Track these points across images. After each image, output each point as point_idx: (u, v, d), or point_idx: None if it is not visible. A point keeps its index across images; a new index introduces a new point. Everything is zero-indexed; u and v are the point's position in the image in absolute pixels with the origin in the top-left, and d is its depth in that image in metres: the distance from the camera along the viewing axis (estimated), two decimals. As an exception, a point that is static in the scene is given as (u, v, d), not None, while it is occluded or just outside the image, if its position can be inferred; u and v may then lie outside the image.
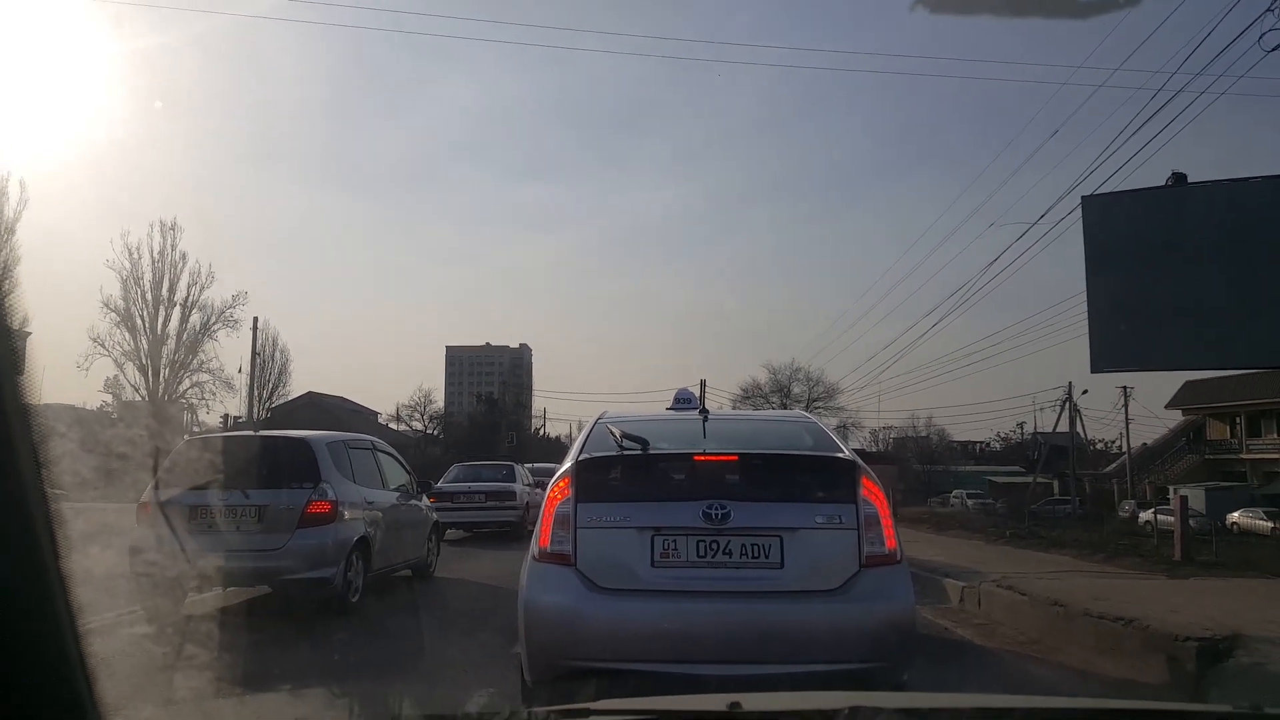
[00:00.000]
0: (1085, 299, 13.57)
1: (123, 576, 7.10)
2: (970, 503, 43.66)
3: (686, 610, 4.02)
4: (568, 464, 4.44)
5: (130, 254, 45.50)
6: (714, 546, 4.11)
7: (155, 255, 45.75)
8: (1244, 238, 12.51)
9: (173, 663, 5.45)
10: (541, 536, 4.24)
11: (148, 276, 45.54)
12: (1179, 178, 13.11)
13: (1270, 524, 32.20)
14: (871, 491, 4.27)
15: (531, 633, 4.18)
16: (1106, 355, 13.41)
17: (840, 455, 4.55)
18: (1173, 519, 14.41)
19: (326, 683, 4.80)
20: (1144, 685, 5.55)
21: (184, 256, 46.43)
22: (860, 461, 4.47)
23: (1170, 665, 5.53)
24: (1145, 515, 30.73)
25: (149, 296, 45.51)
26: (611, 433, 4.55)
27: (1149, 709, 1.57)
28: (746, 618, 4.00)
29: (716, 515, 4.11)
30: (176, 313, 46.16)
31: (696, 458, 4.45)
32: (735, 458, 4.45)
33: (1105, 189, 14.30)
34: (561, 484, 4.30)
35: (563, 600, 4.07)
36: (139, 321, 45.24)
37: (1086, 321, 13.47)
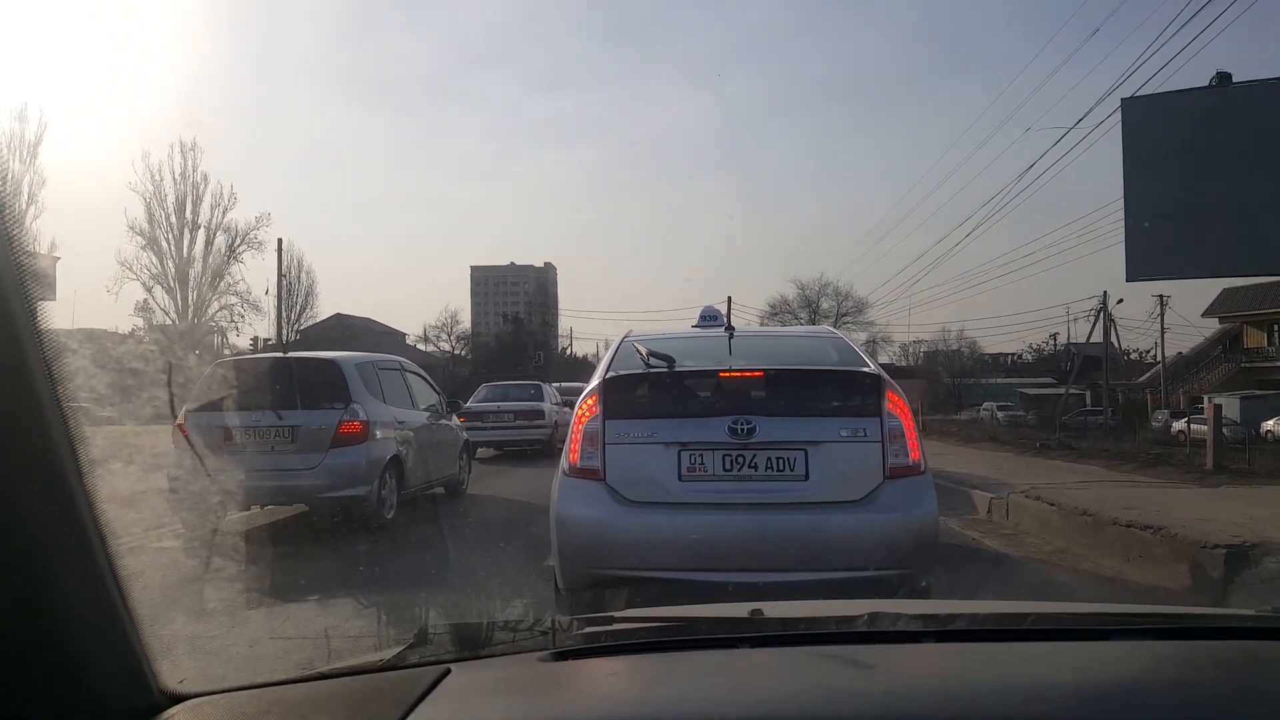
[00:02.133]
0: (1122, 205, 13.24)
1: (157, 495, 7.29)
2: (1000, 415, 43.56)
3: (713, 522, 4.12)
4: (595, 382, 4.53)
5: (152, 176, 45.61)
6: (740, 460, 4.21)
7: (177, 177, 45.81)
8: (1289, 139, 12.07)
9: (205, 575, 5.63)
10: (571, 453, 4.35)
11: (170, 199, 45.70)
12: (1223, 78, 12.62)
13: (1306, 432, 31.90)
14: (896, 405, 4.32)
15: (563, 544, 4.33)
16: (1143, 263, 13.14)
17: (865, 369, 4.59)
18: (1206, 428, 14.28)
19: (362, 594, 4.93)
20: (1171, 592, 5.57)
21: (205, 177, 46.45)
22: (885, 375, 4.52)
23: (1198, 572, 5.54)
24: (1178, 425, 30.51)
25: (173, 219, 45.74)
26: (638, 351, 4.61)
27: (1170, 613, 1.57)
28: (772, 528, 4.09)
29: (742, 430, 4.19)
30: (201, 235, 46.41)
31: (722, 374, 4.53)
32: (760, 373, 4.56)
33: (1146, 90, 13.79)
34: (590, 401, 4.40)
35: (593, 513, 4.21)
36: (164, 244, 45.56)
37: (1123, 229, 13.16)
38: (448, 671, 1.19)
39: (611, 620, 1.46)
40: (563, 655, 1.28)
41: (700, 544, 4.09)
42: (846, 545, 4.10)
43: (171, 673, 1.17)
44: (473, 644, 1.37)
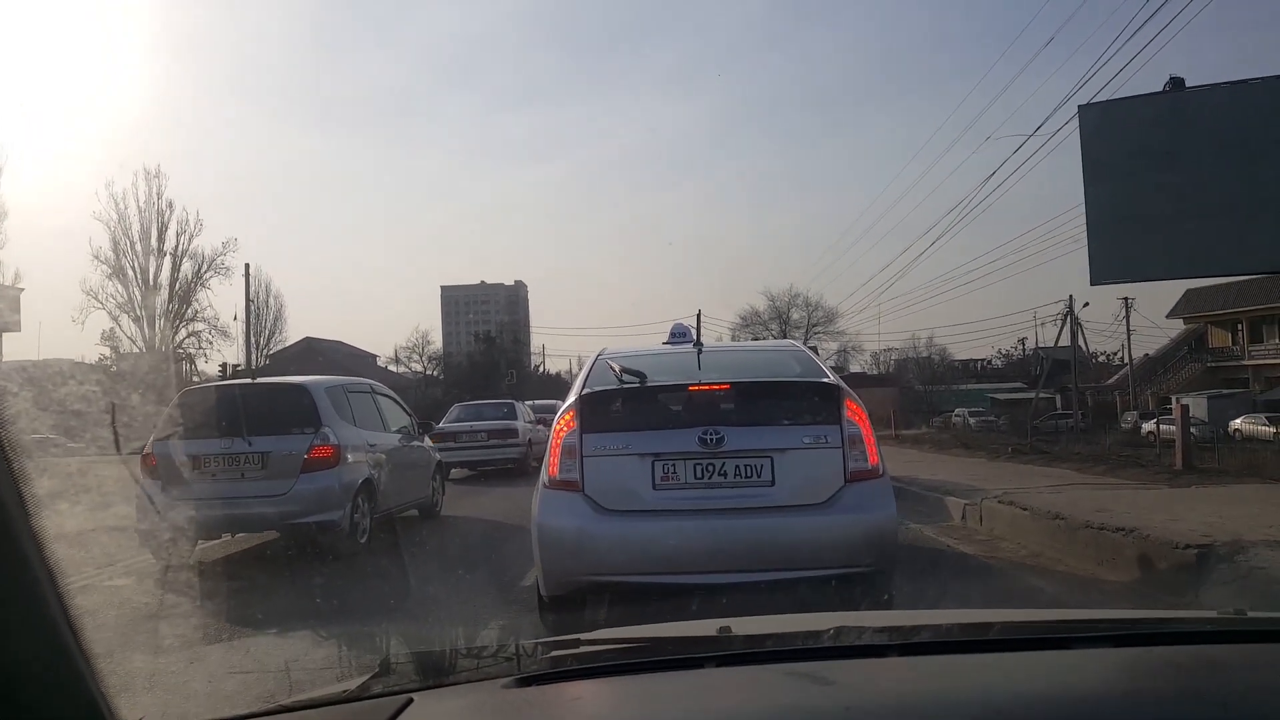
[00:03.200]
0: (1083, 210, 13.41)
1: (108, 532, 7.15)
2: (972, 420, 43.92)
3: (686, 527, 4.36)
4: (572, 398, 4.75)
5: (116, 204, 45.23)
6: (710, 469, 4.46)
7: (141, 204, 45.46)
8: (1244, 142, 12.28)
9: (166, 611, 5.52)
10: (550, 466, 4.57)
11: (135, 227, 45.32)
12: (1176, 82, 12.83)
13: (1272, 429, 32.30)
14: (855, 412, 4.60)
15: (545, 553, 4.54)
16: (1106, 267, 13.30)
17: (825, 380, 4.88)
18: (1174, 429, 14.48)
19: (325, 624, 4.87)
20: (1143, 594, 5.62)
21: (170, 204, 46.14)
22: (844, 385, 4.81)
23: (1170, 573, 5.59)
24: (1148, 426, 30.91)
25: (138, 247, 45.34)
26: (612, 368, 4.85)
27: (1131, 618, 1.58)
28: (742, 532, 4.34)
29: (711, 440, 4.44)
30: (167, 262, 46.06)
31: (691, 388, 4.77)
32: (728, 386, 4.79)
33: (1102, 97, 14.02)
34: (567, 417, 4.61)
35: (572, 523, 4.42)
36: (130, 273, 45.15)
37: (1085, 233, 13.33)
38: (410, 701, 1.17)
39: (577, 643, 1.44)
40: (527, 681, 1.26)
41: (675, 549, 4.33)
42: (812, 546, 4.36)
43: (130, 709, 1.13)
44: (436, 672, 1.35)
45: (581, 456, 4.48)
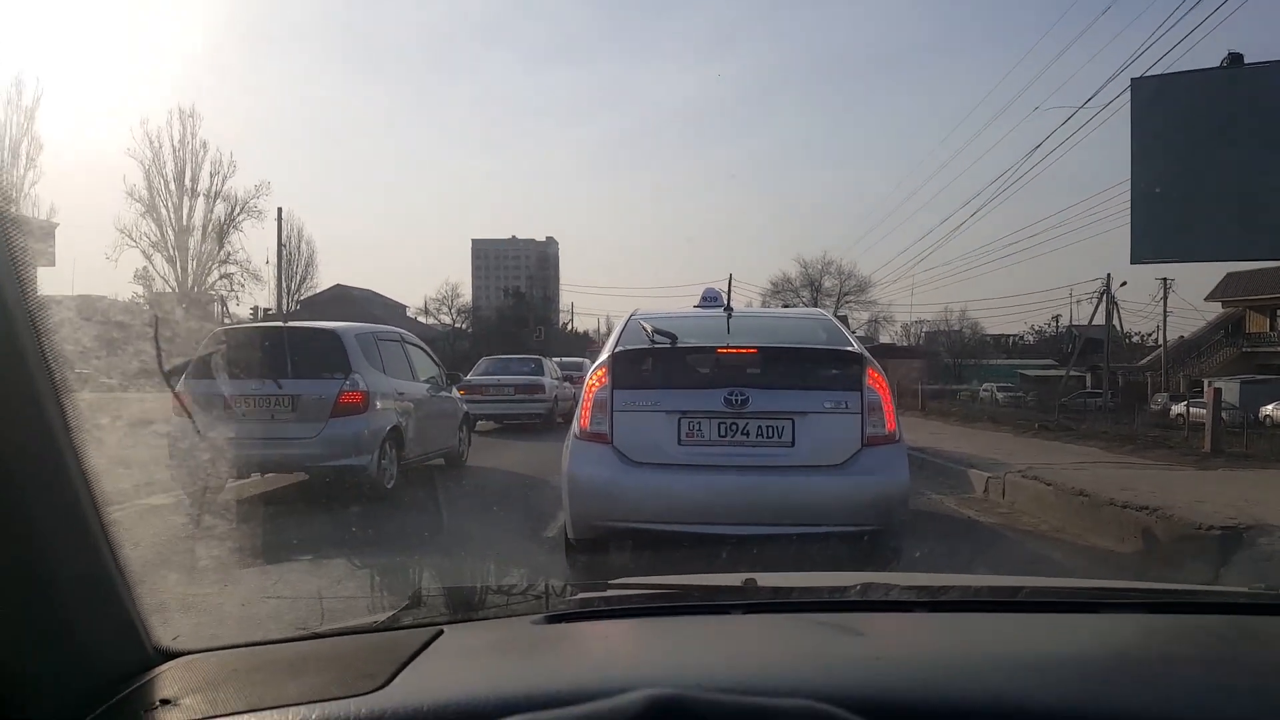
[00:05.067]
0: (1128, 187, 13.16)
1: (148, 454, 7.29)
2: (999, 395, 43.56)
3: (708, 481, 4.61)
4: (604, 355, 5.00)
5: (151, 142, 45.42)
6: (734, 428, 4.69)
7: (176, 144, 45.61)
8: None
9: (200, 538, 5.64)
10: (582, 419, 4.82)
11: (169, 166, 45.53)
12: (1235, 58, 12.49)
13: (1304, 417, 31.83)
14: (876, 380, 4.79)
15: (574, 499, 4.80)
16: (1148, 245, 13.08)
17: (849, 348, 5.06)
18: (1205, 412, 14.29)
19: (357, 557, 4.97)
20: (1164, 573, 5.60)
21: (204, 145, 46.25)
22: (866, 354, 5.00)
23: (1193, 554, 5.56)
24: (1177, 408, 30.49)
25: (172, 186, 45.58)
26: (644, 328, 5.04)
27: (1163, 589, 1.57)
28: (761, 488, 4.60)
29: (736, 401, 4.65)
30: (200, 203, 46.27)
31: (719, 350, 5.03)
32: (754, 350, 5.03)
33: (1157, 71, 13.66)
34: (600, 373, 4.86)
35: (601, 473, 4.68)
36: (164, 212, 45.43)
37: (1129, 211, 13.09)
38: (440, 633, 1.20)
39: (605, 587, 1.47)
40: (555, 619, 1.28)
41: (696, 501, 4.57)
42: (827, 504, 4.58)
43: (165, 629, 1.17)
44: (466, 606, 1.38)
45: (612, 411, 4.70)
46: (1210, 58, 13.20)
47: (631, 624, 1.33)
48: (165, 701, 1.00)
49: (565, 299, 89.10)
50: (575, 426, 4.91)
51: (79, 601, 1.04)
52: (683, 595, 1.44)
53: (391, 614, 1.36)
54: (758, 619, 1.31)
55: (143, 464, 7.29)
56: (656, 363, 4.90)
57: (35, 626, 0.98)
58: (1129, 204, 13.26)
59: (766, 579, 1.56)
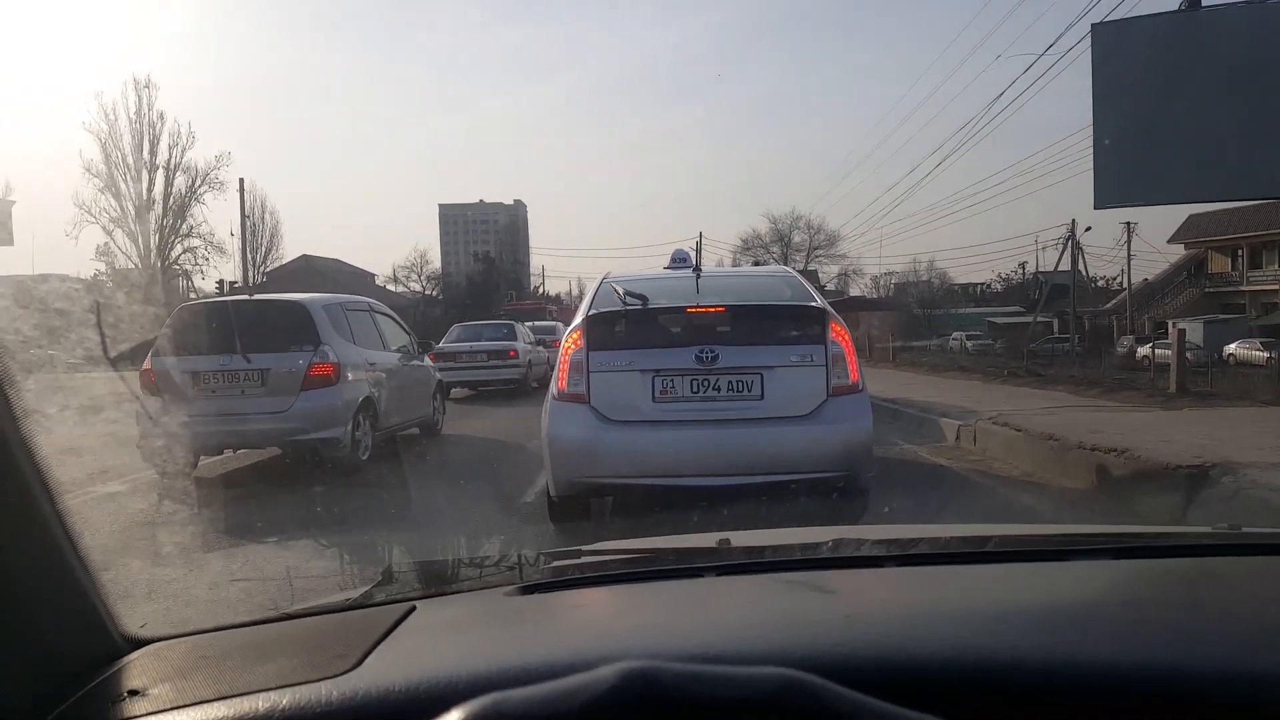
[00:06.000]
0: (1091, 133, 13.19)
1: (120, 447, 7.19)
2: (969, 344, 43.99)
3: (683, 436, 4.80)
4: (578, 319, 5.13)
5: (106, 115, 44.50)
6: (705, 384, 4.87)
7: (132, 116, 44.55)
8: (1259, 64, 11.99)
9: (166, 522, 5.60)
10: (559, 380, 4.98)
11: (127, 139, 44.48)
12: (1193, 2, 12.50)
13: (1266, 354, 32.37)
14: (839, 334, 4.99)
15: (555, 459, 4.96)
16: (1112, 190, 13.14)
17: (812, 304, 5.24)
18: (1170, 353, 14.53)
19: (326, 535, 4.97)
20: (1134, 513, 5.71)
21: (161, 116, 45.23)
22: (829, 308, 5.19)
23: (1161, 493, 5.67)
24: (1143, 350, 30.99)
25: (130, 160, 44.55)
26: (615, 291, 5.16)
27: (1129, 532, 1.60)
28: (733, 440, 4.77)
29: (707, 358, 4.83)
30: (160, 176, 45.37)
31: (689, 310, 5.21)
32: (723, 309, 5.18)
33: (1117, 15, 13.65)
34: (575, 336, 5.01)
35: (580, 432, 4.83)
36: (123, 186, 44.48)
37: (1091, 156, 13.14)
38: (413, 609, 1.19)
39: (579, 554, 1.46)
40: (529, 590, 1.28)
41: (673, 455, 4.76)
42: (796, 452, 4.77)
43: (131, 617, 1.15)
44: (438, 581, 1.37)
45: (588, 372, 4.86)
46: (1170, 2, 13.19)
47: (605, 591, 1.33)
48: (134, 692, 0.99)
49: (536, 262, 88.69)
50: (553, 388, 5.05)
51: (38, 594, 1.02)
52: (657, 559, 1.45)
53: (364, 591, 1.35)
54: (731, 581, 1.31)
55: (98, 450, 7.19)
56: (629, 324, 5.03)
57: None
58: (1091, 150, 13.33)
59: (741, 538, 1.57)
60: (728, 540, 1.48)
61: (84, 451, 7.11)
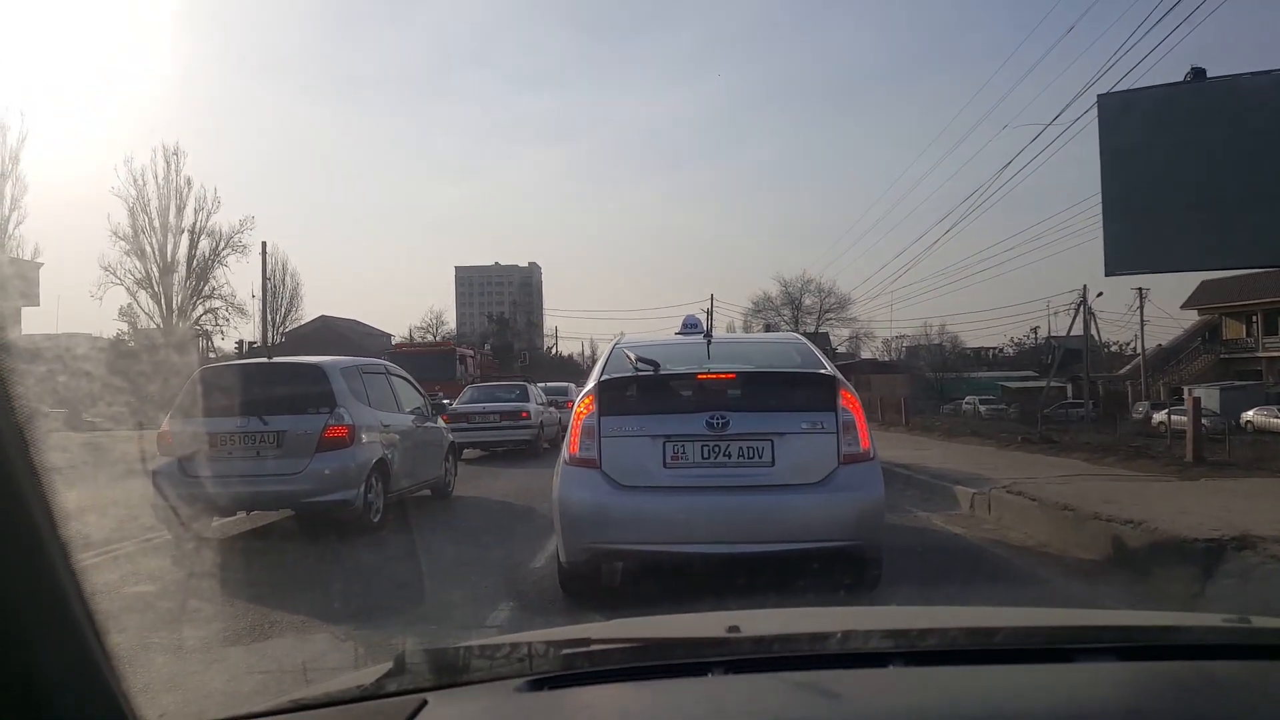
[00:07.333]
0: (1100, 199, 13.32)
1: (140, 506, 7.21)
2: (983, 408, 43.77)
3: (694, 502, 4.78)
4: (591, 384, 5.19)
5: (135, 181, 45.46)
6: (716, 449, 4.87)
7: (160, 181, 45.68)
8: (1264, 133, 12.17)
9: (189, 596, 5.59)
10: (571, 445, 4.98)
11: (154, 203, 45.58)
12: (1198, 72, 12.73)
13: (1284, 421, 32.15)
14: (849, 401, 5.00)
15: (565, 524, 4.93)
16: (1121, 258, 13.23)
17: (823, 371, 5.29)
18: (1186, 419, 14.43)
19: (342, 611, 4.95)
20: (1150, 587, 5.63)
21: (189, 181, 46.38)
22: (839, 375, 5.21)
23: (1177, 567, 5.60)
24: (1159, 416, 30.75)
25: (156, 224, 45.59)
26: (627, 356, 5.22)
27: (1135, 625, 1.60)
28: (744, 507, 4.77)
29: (718, 424, 4.84)
30: (185, 239, 46.33)
31: (700, 376, 5.22)
32: (733, 375, 5.21)
33: (1122, 87, 13.89)
34: (587, 401, 5.03)
35: (591, 497, 4.83)
36: (148, 249, 45.42)
37: (1101, 223, 13.25)
38: (424, 703, 1.20)
39: (588, 642, 1.48)
40: (539, 684, 1.29)
41: (683, 521, 4.74)
42: (807, 520, 4.76)
43: (150, 708, 1.17)
44: (450, 671, 1.38)
45: (600, 437, 4.86)
46: (1173, 73, 13.42)
47: (613, 689, 1.34)
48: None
49: (550, 323, 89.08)
50: (565, 452, 5.04)
51: (64, 686, 1.04)
52: (665, 651, 1.46)
53: (376, 679, 1.36)
54: (739, 680, 1.32)
55: (113, 510, 7.19)
56: (641, 389, 5.06)
57: (19, 716, 0.98)
58: (1101, 216, 13.45)
59: (750, 621, 1.58)
60: (737, 627, 1.49)
61: (103, 510, 7.15)
